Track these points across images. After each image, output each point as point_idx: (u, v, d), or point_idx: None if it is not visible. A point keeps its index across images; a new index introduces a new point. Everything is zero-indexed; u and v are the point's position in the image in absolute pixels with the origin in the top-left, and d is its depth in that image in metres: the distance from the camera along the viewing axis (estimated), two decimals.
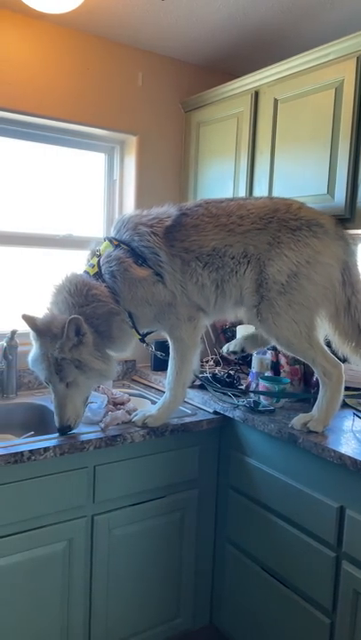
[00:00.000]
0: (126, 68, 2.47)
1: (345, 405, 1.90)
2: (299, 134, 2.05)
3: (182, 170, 2.68)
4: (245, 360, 2.39)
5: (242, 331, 2.37)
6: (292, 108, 2.07)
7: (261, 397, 1.99)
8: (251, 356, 2.16)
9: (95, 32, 2.34)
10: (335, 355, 1.82)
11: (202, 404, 2.12)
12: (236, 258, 1.80)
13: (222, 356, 2.46)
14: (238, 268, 1.80)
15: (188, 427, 1.94)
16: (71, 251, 2.52)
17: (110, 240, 1.85)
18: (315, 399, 1.81)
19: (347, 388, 1.87)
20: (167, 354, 1.93)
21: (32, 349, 1.77)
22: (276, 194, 2.14)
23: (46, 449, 1.64)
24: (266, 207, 1.82)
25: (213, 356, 2.56)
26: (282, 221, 1.78)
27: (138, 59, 2.50)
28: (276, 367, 2.11)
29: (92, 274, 1.81)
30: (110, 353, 1.83)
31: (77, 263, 1.96)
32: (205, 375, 2.23)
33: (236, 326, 2.48)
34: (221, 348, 2.19)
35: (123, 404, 1.98)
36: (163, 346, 2.07)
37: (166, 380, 1.92)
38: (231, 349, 2.12)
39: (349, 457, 1.55)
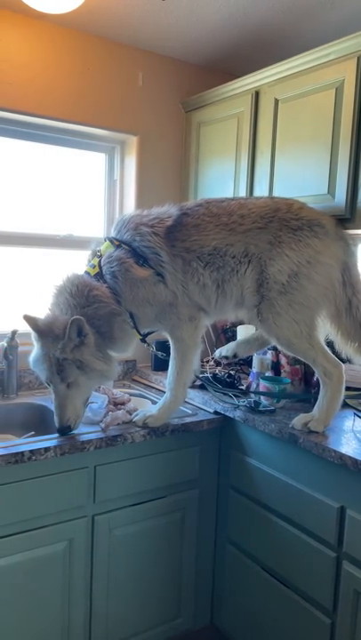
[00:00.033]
0: (127, 68, 2.47)
1: (346, 405, 1.90)
2: (299, 134, 2.05)
3: (183, 170, 2.68)
4: (246, 360, 2.39)
5: (242, 331, 2.37)
6: (293, 108, 2.07)
7: (262, 397, 1.99)
8: (250, 357, 2.17)
9: (95, 32, 2.34)
10: (337, 355, 1.82)
11: (202, 404, 2.12)
12: (237, 257, 1.80)
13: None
14: (239, 267, 1.80)
15: (188, 427, 1.94)
16: (71, 251, 2.52)
17: (111, 240, 1.85)
18: (315, 399, 1.81)
19: (347, 388, 1.87)
20: (168, 354, 1.93)
21: (33, 350, 1.77)
22: (276, 194, 2.14)
23: (47, 449, 1.65)
24: (267, 206, 1.82)
25: (214, 357, 2.55)
26: (283, 221, 1.78)
27: (138, 59, 2.50)
28: (276, 367, 2.11)
29: (92, 274, 1.81)
30: (111, 353, 1.83)
31: (78, 263, 1.96)
32: (206, 375, 2.23)
33: (236, 326, 2.48)
34: (223, 348, 2.19)
35: (123, 404, 1.98)
36: (163, 346, 2.07)
37: (167, 380, 1.92)
38: (223, 354, 2.13)
39: (350, 457, 1.55)
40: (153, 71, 2.54)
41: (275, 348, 2.07)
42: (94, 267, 1.82)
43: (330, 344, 1.85)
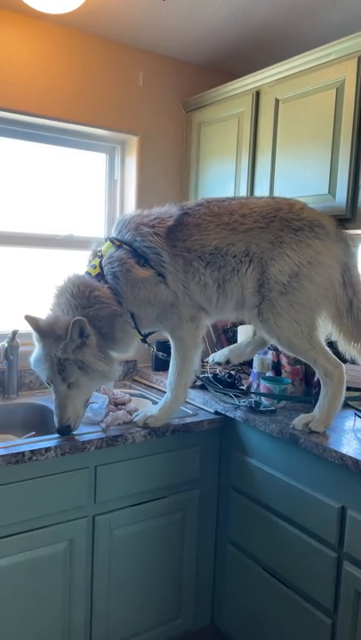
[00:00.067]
0: (127, 68, 2.47)
1: (346, 406, 1.90)
2: (300, 134, 2.05)
3: (183, 170, 2.68)
4: (247, 360, 2.38)
5: (243, 331, 2.37)
6: (294, 108, 2.07)
7: (262, 398, 1.99)
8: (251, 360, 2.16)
9: (96, 32, 2.33)
10: (338, 355, 1.82)
11: (203, 405, 2.12)
12: (238, 256, 1.80)
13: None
14: (240, 266, 1.80)
15: (189, 427, 1.94)
16: (72, 251, 2.52)
17: (112, 241, 1.84)
18: (316, 399, 1.81)
19: (348, 389, 1.87)
20: (168, 354, 1.93)
21: (35, 350, 1.77)
22: (277, 194, 2.14)
23: (47, 449, 1.64)
24: (268, 206, 1.82)
25: (207, 362, 2.55)
26: (284, 221, 1.78)
27: (139, 59, 2.50)
28: (277, 367, 2.11)
29: (93, 275, 1.81)
30: (113, 354, 1.83)
31: (78, 264, 1.96)
32: (207, 375, 2.23)
33: (237, 326, 2.48)
34: (215, 354, 2.19)
35: (124, 404, 1.98)
36: (164, 346, 2.07)
37: (167, 381, 1.92)
38: (216, 360, 2.13)
39: (351, 457, 1.54)
40: (154, 71, 2.54)
41: (275, 349, 2.07)
42: (95, 267, 1.82)
43: (331, 344, 1.85)
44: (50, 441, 1.69)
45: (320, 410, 1.76)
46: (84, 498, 1.76)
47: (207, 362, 2.18)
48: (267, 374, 2.08)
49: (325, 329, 1.84)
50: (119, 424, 1.86)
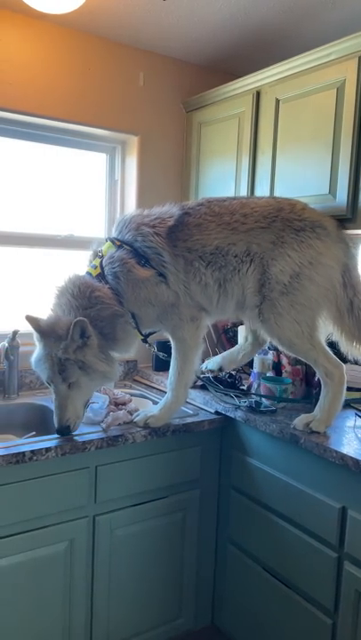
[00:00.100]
0: (128, 68, 2.47)
1: (347, 406, 1.90)
2: (300, 134, 2.04)
3: (184, 170, 2.68)
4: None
5: (243, 331, 2.37)
6: (294, 108, 2.07)
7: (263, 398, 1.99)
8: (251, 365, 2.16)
9: (96, 32, 2.33)
10: (339, 356, 1.82)
11: (203, 405, 2.12)
12: (239, 256, 1.80)
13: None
14: (241, 266, 1.80)
15: (189, 427, 1.94)
16: (72, 251, 2.52)
17: (113, 241, 1.84)
18: (317, 400, 1.81)
19: (349, 389, 1.87)
20: (169, 354, 1.93)
21: (35, 350, 1.77)
22: (277, 194, 2.14)
23: (48, 449, 1.64)
24: (270, 206, 1.82)
25: (201, 368, 2.55)
26: (286, 221, 1.78)
27: (139, 59, 2.50)
28: (277, 367, 2.11)
29: (94, 275, 1.81)
30: (113, 354, 1.82)
31: (79, 264, 1.96)
32: (207, 375, 2.23)
33: (237, 326, 2.47)
34: (208, 361, 2.19)
35: (124, 404, 1.98)
36: (165, 346, 2.07)
37: (168, 381, 1.92)
38: (209, 367, 2.13)
39: (351, 457, 1.54)
40: (154, 71, 2.54)
41: (276, 349, 2.07)
42: (96, 267, 1.82)
43: (332, 345, 1.85)
44: (50, 441, 1.69)
45: (321, 410, 1.76)
46: (85, 498, 1.76)
47: (201, 369, 2.18)
48: (267, 374, 2.08)
49: (326, 329, 1.84)
50: (120, 424, 1.86)
